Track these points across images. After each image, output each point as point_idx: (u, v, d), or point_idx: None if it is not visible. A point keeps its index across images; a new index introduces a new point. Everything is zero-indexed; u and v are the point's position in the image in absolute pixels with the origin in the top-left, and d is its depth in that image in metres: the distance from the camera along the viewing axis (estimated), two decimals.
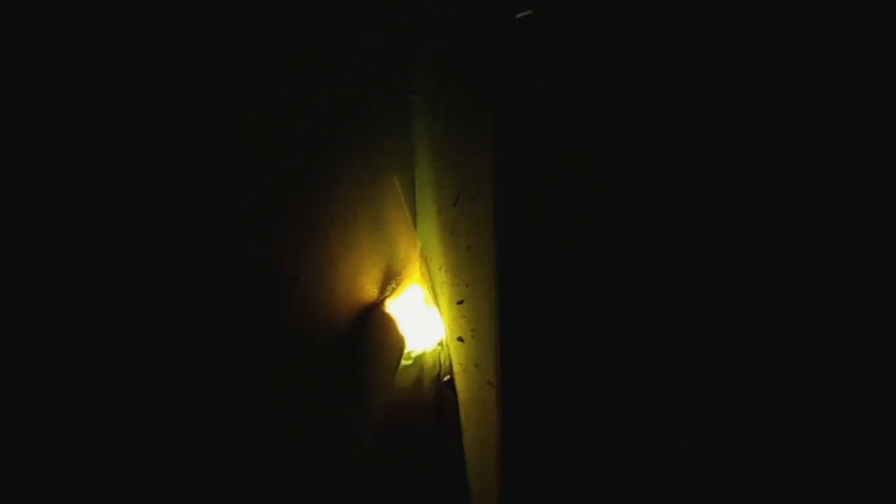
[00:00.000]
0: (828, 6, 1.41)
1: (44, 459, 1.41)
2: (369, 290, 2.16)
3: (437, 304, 2.17)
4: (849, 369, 1.46)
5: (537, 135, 1.51)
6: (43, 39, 1.32)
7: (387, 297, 2.19)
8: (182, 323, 1.59)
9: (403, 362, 2.19)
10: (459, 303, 1.84)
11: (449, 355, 2.10)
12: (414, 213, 2.19)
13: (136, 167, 1.49)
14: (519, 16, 1.45)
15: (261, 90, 1.70)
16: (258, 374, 1.77)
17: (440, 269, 2.06)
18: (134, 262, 1.50)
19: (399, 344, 2.13)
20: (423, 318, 2.23)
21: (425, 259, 2.21)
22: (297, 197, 1.83)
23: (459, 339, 1.90)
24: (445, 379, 2.01)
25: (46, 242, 1.37)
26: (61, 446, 1.44)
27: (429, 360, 2.23)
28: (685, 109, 1.48)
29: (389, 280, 2.23)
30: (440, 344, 2.21)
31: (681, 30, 1.48)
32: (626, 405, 1.56)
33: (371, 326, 2.10)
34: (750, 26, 1.45)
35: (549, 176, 1.51)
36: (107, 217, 1.44)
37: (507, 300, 1.50)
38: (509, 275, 1.48)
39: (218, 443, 1.69)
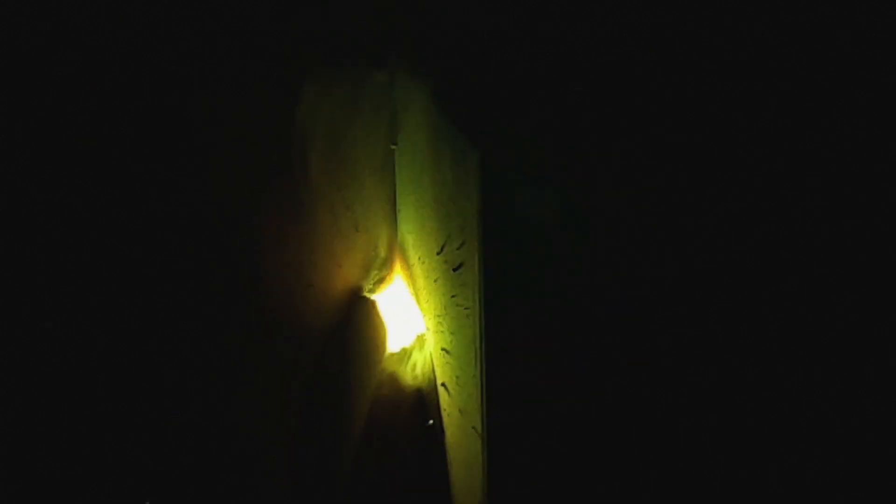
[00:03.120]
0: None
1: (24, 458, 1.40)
2: (352, 285, 2.17)
3: (417, 299, 2.15)
4: (847, 370, 1.47)
5: (523, 183, 1.53)
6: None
7: (369, 291, 2.19)
8: (163, 326, 1.60)
9: (386, 357, 2.18)
10: (444, 350, 1.85)
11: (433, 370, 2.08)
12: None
13: (121, 168, 1.49)
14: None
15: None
16: (240, 373, 1.77)
17: (424, 303, 2.07)
18: (120, 262, 1.50)
19: (382, 339, 2.13)
20: (404, 313, 2.22)
21: (406, 260, 2.20)
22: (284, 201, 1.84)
23: (443, 385, 1.91)
24: (429, 423, 2.01)
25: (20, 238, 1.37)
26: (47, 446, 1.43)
27: (410, 356, 2.22)
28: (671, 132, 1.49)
29: (372, 275, 2.24)
30: (419, 339, 2.20)
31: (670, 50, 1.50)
32: (617, 454, 1.57)
33: (355, 321, 2.10)
34: (750, 26, 1.47)
35: (535, 226, 1.53)
36: (87, 220, 1.44)
37: (492, 349, 1.51)
38: (495, 326, 1.50)
39: (198, 441, 1.69)
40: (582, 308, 1.55)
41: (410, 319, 2.23)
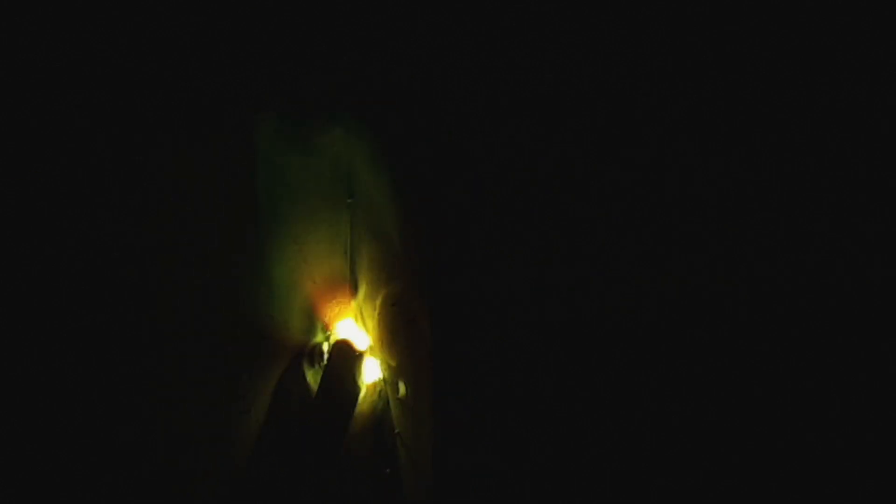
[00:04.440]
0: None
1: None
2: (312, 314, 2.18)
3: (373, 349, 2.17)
4: (848, 370, 1.48)
5: (471, 241, 1.56)
6: None
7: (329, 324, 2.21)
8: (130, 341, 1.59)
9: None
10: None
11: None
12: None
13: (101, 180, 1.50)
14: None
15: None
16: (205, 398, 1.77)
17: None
18: (97, 284, 1.50)
19: (356, 386, 2.12)
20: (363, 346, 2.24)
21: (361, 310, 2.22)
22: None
23: (397, 434, 1.92)
24: (387, 471, 2.01)
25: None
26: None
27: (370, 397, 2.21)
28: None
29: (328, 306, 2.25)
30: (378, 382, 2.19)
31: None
32: None
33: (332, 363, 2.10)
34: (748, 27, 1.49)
35: (481, 280, 1.57)
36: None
37: (443, 403, 1.53)
38: (447, 380, 1.52)
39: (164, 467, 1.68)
40: (536, 360, 1.57)
41: (367, 365, 2.24)
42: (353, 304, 2.26)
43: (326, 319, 2.24)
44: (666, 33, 1.52)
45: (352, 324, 2.28)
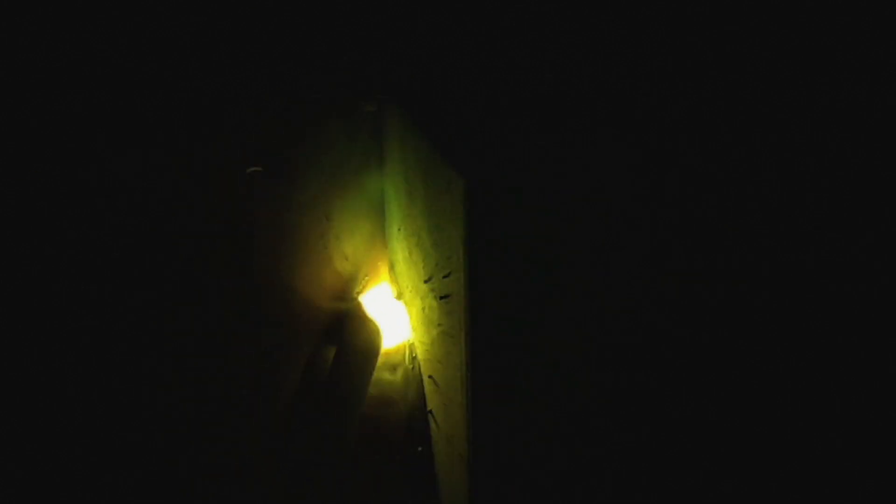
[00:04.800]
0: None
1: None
2: (341, 290, 2.18)
3: (403, 300, 2.16)
4: (847, 370, 1.48)
5: (511, 213, 1.55)
6: None
7: (358, 294, 2.20)
8: (157, 330, 1.61)
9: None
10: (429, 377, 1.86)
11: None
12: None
13: (111, 169, 1.50)
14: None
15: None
16: (236, 380, 1.78)
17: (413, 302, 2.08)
18: (105, 268, 1.51)
19: (377, 344, 2.13)
20: (391, 316, 2.23)
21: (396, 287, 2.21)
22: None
23: (430, 412, 1.92)
24: (419, 450, 2.01)
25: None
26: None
27: (399, 358, 2.22)
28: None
29: (359, 279, 2.25)
30: (408, 343, 2.19)
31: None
32: (606, 486, 1.58)
33: (350, 327, 2.11)
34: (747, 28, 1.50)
35: (522, 256, 1.55)
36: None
37: (478, 378, 1.52)
38: (481, 355, 1.51)
39: (197, 448, 1.71)
40: (571, 338, 1.57)
41: (397, 320, 2.23)
42: (389, 278, 2.26)
43: (359, 291, 2.25)
44: (666, 33, 1.53)
45: (384, 293, 2.28)
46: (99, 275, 1.49)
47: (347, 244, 2.17)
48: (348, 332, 2.13)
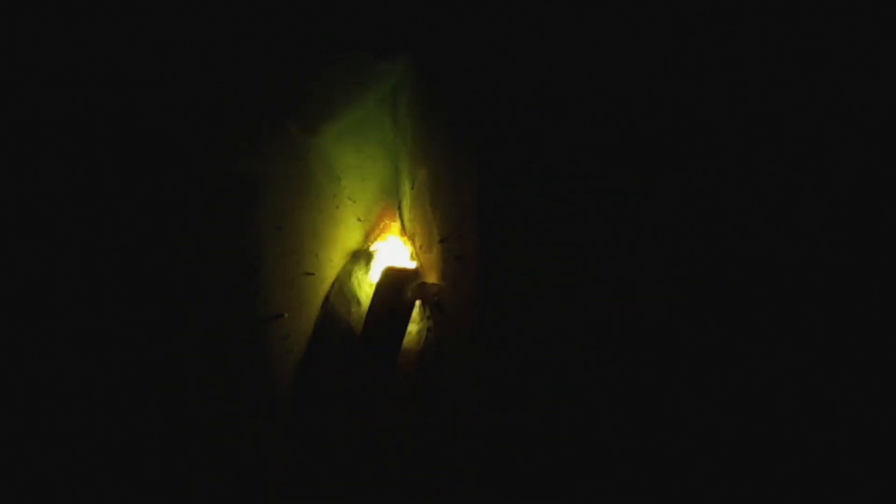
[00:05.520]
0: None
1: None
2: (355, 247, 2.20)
3: (415, 247, 2.17)
4: (847, 371, 1.48)
5: (522, 178, 1.53)
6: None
7: (372, 242, 2.21)
8: (177, 297, 1.64)
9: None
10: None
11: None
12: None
13: (117, 148, 1.50)
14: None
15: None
16: (258, 345, 1.82)
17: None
18: (117, 253, 1.52)
19: (409, 302, 2.13)
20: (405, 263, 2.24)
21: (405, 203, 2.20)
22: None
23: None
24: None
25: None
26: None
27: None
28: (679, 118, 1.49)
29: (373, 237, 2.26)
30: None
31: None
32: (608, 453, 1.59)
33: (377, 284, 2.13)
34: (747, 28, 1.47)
35: (533, 221, 1.53)
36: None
37: (489, 340, 1.53)
38: (493, 317, 1.51)
39: (223, 409, 1.75)
40: (580, 306, 1.55)
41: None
42: (402, 237, 2.25)
43: (371, 249, 2.24)
44: (666, 33, 1.50)
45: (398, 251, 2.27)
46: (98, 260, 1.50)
47: (361, 204, 2.16)
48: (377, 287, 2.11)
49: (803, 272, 1.48)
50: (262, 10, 1.67)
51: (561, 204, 1.52)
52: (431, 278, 2.01)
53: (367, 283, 2.24)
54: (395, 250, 2.32)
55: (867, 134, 1.43)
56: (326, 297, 2.10)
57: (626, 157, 1.51)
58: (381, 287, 2.10)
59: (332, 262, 2.14)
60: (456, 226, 1.66)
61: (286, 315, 1.95)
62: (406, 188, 2.15)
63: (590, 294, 1.53)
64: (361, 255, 2.22)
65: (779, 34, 1.46)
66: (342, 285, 2.15)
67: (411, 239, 2.20)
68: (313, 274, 2.03)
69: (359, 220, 2.18)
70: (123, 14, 1.44)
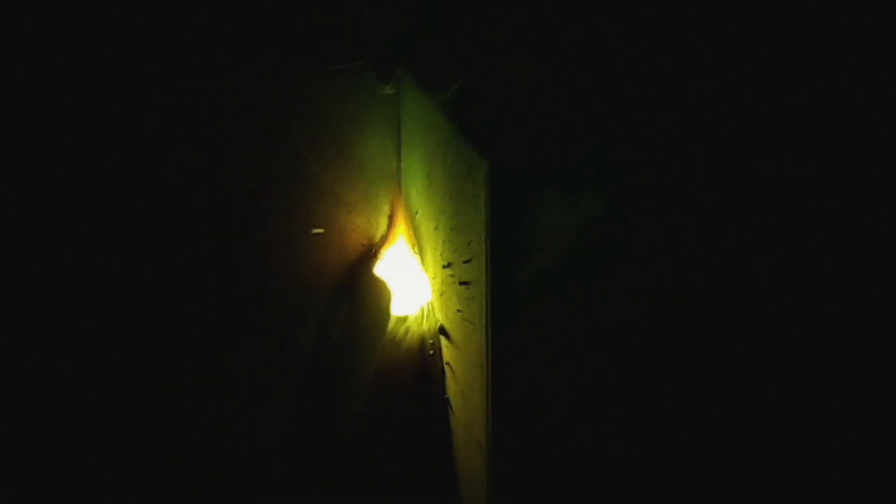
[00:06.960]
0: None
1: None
2: (356, 248, 2.18)
3: (422, 263, 2.16)
4: (847, 371, 1.48)
5: (533, 196, 1.51)
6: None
7: (374, 253, 2.20)
8: (170, 295, 1.64)
9: (390, 326, 2.19)
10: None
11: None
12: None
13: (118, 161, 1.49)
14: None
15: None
16: (240, 344, 1.80)
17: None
18: (114, 237, 1.52)
19: (387, 308, 2.13)
20: (408, 279, 2.23)
21: (411, 220, 2.19)
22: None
23: (446, 398, 1.90)
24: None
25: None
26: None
27: (413, 324, 2.21)
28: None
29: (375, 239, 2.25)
30: (424, 308, 2.19)
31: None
32: (622, 473, 1.57)
33: (359, 290, 2.12)
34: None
35: (544, 241, 1.51)
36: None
37: (498, 366, 1.50)
38: (501, 343, 1.48)
39: (205, 411, 1.74)
40: (592, 325, 1.54)
41: (414, 284, 2.21)
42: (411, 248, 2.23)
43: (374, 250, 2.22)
44: (666, 33, 1.51)
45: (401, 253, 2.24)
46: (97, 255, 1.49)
47: (360, 219, 2.14)
48: (358, 293, 2.11)
49: (803, 272, 1.47)
50: (262, 10, 1.65)
51: (575, 227, 1.50)
52: (435, 300, 1.99)
53: (370, 286, 2.23)
54: (400, 257, 2.29)
55: (867, 134, 1.43)
56: (329, 299, 2.09)
57: (629, 160, 1.50)
58: (368, 296, 2.09)
59: (336, 264, 2.12)
60: (461, 250, 1.63)
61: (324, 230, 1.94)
62: (411, 212, 2.13)
63: (595, 301, 1.52)
64: (367, 260, 2.20)
65: (779, 34, 1.46)
66: (344, 287, 2.13)
67: (419, 254, 2.18)
68: (323, 231, 2.02)
69: (364, 225, 2.17)
70: (123, 14, 1.43)
